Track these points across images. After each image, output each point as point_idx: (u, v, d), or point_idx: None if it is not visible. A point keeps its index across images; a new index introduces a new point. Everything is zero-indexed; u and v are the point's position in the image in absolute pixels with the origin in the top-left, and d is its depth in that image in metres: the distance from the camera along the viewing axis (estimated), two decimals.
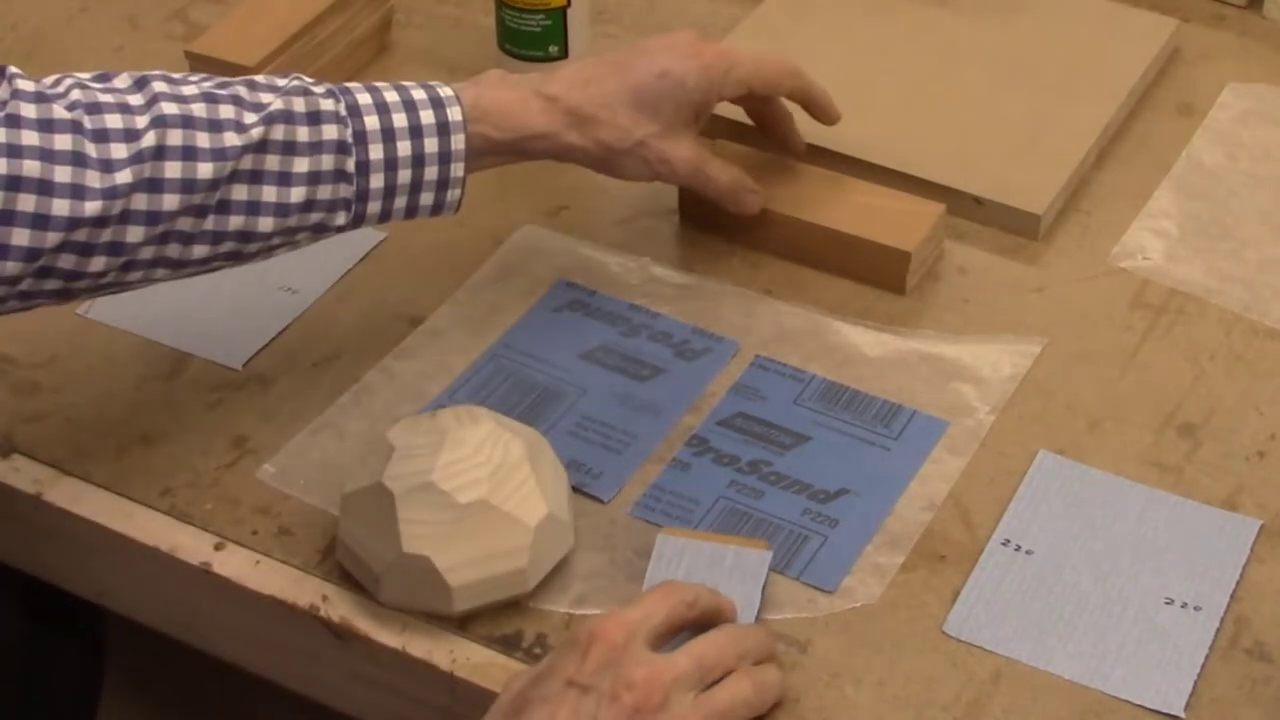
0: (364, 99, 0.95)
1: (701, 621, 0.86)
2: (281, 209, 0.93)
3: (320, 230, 0.96)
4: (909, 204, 1.10)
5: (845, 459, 0.99)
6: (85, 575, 1.01)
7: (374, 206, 0.96)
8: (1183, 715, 0.87)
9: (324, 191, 0.94)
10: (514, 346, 1.05)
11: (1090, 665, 0.89)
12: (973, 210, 1.13)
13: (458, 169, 0.97)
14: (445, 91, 0.97)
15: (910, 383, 1.03)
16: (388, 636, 0.91)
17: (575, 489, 0.96)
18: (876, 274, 1.08)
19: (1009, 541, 0.94)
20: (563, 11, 1.20)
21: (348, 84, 0.97)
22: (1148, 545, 0.94)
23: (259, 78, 0.96)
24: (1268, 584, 0.93)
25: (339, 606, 0.92)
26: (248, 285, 1.09)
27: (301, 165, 0.93)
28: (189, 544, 0.96)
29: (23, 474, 1.00)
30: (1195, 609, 0.91)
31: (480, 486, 0.88)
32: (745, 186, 1.07)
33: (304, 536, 0.96)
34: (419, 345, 1.06)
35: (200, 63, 1.19)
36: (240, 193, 0.92)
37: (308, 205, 0.94)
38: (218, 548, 0.96)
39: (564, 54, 1.21)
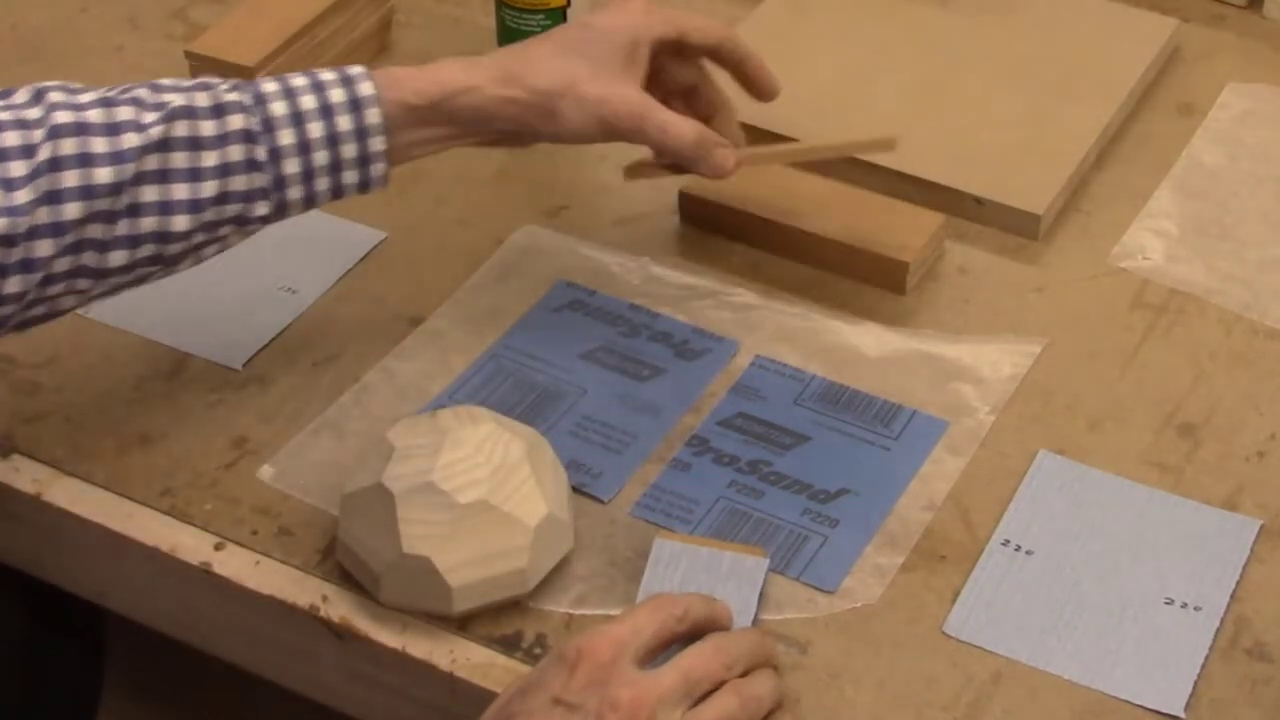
0: (270, 87, 0.94)
1: (693, 633, 0.86)
2: (194, 205, 0.92)
3: (243, 223, 0.95)
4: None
5: (845, 459, 0.99)
6: (85, 575, 1.01)
7: (295, 192, 0.95)
8: (1183, 715, 0.87)
9: (237, 183, 0.93)
10: (514, 346, 1.05)
11: (1090, 665, 0.89)
12: (973, 210, 1.13)
13: (376, 143, 0.95)
14: (354, 69, 0.96)
15: (910, 383, 1.03)
16: (388, 636, 0.91)
17: (575, 489, 0.96)
18: (877, 270, 1.09)
19: (1009, 541, 0.94)
20: (563, 11, 1.20)
21: (258, 78, 0.95)
22: (1148, 545, 0.94)
23: (164, 80, 0.94)
24: (1268, 584, 0.93)
25: (339, 606, 0.92)
26: (248, 285, 1.09)
27: (210, 159, 0.92)
28: (189, 544, 0.96)
29: (23, 474, 1.00)
30: (1195, 609, 0.91)
31: (480, 487, 0.88)
32: (710, 137, 1.02)
33: (304, 536, 0.96)
34: (419, 345, 1.06)
35: (200, 62, 1.19)
36: (150, 194, 0.91)
37: (222, 198, 0.93)
38: (218, 548, 0.96)
39: None
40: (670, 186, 1.13)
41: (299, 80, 0.95)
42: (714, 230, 1.13)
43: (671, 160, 1.03)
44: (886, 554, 0.94)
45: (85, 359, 1.06)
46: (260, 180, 0.93)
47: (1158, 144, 1.20)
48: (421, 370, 1.05)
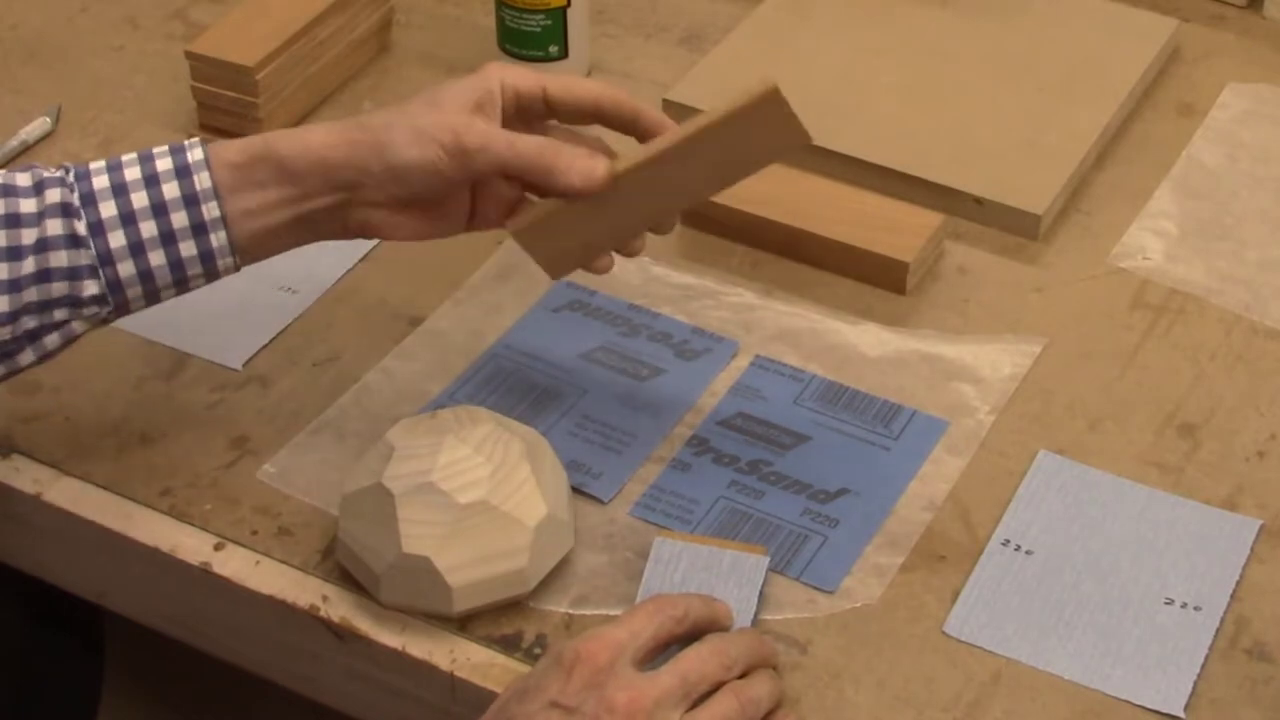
0: (95, 164, 0.90)
1: (693, 634, 0.86)
2: (14, 285, 0.88)
3: (76, 304, 0.90)
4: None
5: (845, 459, 0.99)
6: (85, 575, 1.01)
7: (126, 268, 0.90)
8: (1183, 715, 0.87)
9: (58, 259, 0.89)
10: (514, 346, 1.05)
11: (1090, 665, 0.89)
12: (973, 210, 1.13)
13: (211, 209, 0.89)
14: (188, 140, 0.91)
15: (910, 383, 1.03)
16: (388, 636, 0.91)
17: (575, 489, 0.96)
18: (877, 270, 1.09)
19: (1009, 541, 0.94)
20: (563, 11, 1.20)
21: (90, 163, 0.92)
22: (1148, 545, 0.94)
23: (20, 132, 0.91)
24: (1268, 584, 0.93)
25: (339, 606, 0.93)
26: (248, 285, 1.09)
27: (29, 236, 0.88)
28: (189, 544, 0.96)
29: (23, 474, 1.00)
30: (1195, 609, 0.91)
31: (480, 487, 0.89)
32: (564, 147, 0.91)
33: (304, 536, 0.96)
34: (419, 345, 1.06)
35: (200, 63, 1.19)
36: None
37: (43, 275, 0.89)
38: (218, 548, 0.96)
39: (564, 54, 1.21)
40: None
41: (128, 155, 0.90)
42: (714, 230, 1.13)
43: (531, 181, 0.92)
44: (886, 554, 0.94)
45: (85, 359, 1.06)
46: (84, 256, 0.89)
47: (1158, 144, 1.20)
48: (421, 370, 1.05)
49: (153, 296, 0.92)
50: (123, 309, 0.92)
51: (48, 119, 1.21)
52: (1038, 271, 1.11)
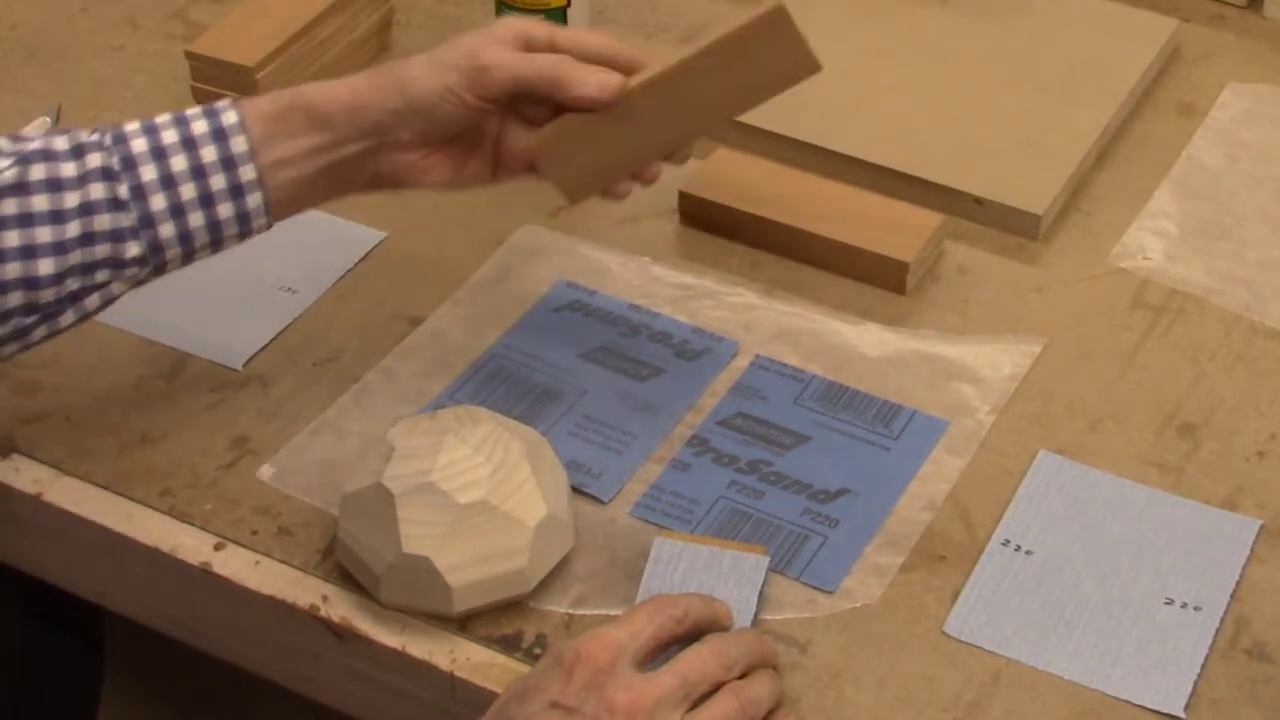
0: (131, 126, 0.92)
1: (693, 634, 0.86)
2: (59, 247, 0.90)
3: (118, 266, 0.92)
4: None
5: (845, 459, 0.99)
6: (85, 575, 1.01)
7: (167, 230, 0.92)
8: (1183, 715, 0.87)
9: (101, 222, 0.91)
10: (514, 346, 1.05)
11: (1090, 665, 0.89)
12: (973, 210, 1.13)
13: (246, 172, 0.92)
14: (220, 103, 0.93)
15: (910, 383, 1.03)
16: (388, 636, 0.91)
17: (575, 489, 0.96)
18: (877, 270, 1.09)
19: (1009, 541, 0.94)
20: (563, 11, 1.20)
21: (124, 124, 0.93)
22: (1148, 545, 0.94)
23: (27, 130, 0.93)
24: (1268, 584, 0.93)
25: (339, 606, 0.93)
26: (248, 285, 1.09)
27: (71, 200, 0.90)
28: (189, 544, 0.96)
29: (23, 474, 1.00)
30: (1195, 609, 0.91)
31: (480, 487, 0.89)
32: (578, 63, 0.94)
33: (304, 536, 0.96)
34: (419, 345, 1.06)
35: (200, 63, 1.19)
36: (11, 239, 0.90)
37: (87, 239, 0.91)
38: (218, 548, 0.96)
39: None
40: (670, 186, 1.13)
41: (163, 118, 0.93)
42: (714, 230, 1.13)
43: (547, 95, 0.94)
44: (886, 554, 0.94)
45: (85, 359, 1.06)
46: (126, 219, 0.91)
47: (1158, 144, 1.20)
48: (421, 370, 1.05)
49: (189, 257, 0.94)
50: (160, 270, 0.94)
51: (48, 119, 1.21)
52: (1038, 271, 1.11)
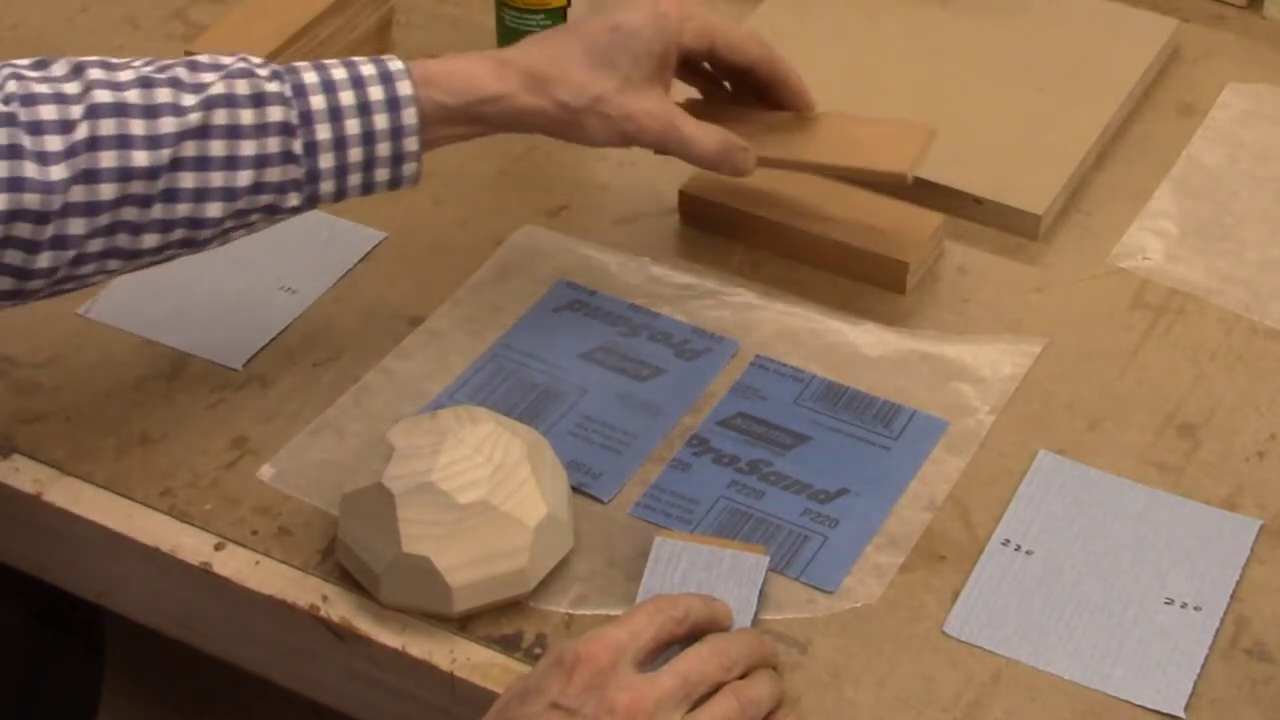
0: (310, 78, 0.94)
1: (693, 635, 0.86)
2: (229, 193, 0.92)
3: (273, 212, 0.95)
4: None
5: (845, 459, 0.99)
6: (85, 575, 1.01)
7: (327, 186, 0.95)
8: (1183, 715, 0.87)
9: (272, 174, 0.93)
10: (514, 346, 1.05)
11: (1090, 665, 0.89)
12: (973, 210, 1.13)
13: (410, 143, 0.95)
14: (395, 65, 0.95)
15: (910, 383, 1.03)
16: (388, 636, 0.91)
17: (575, 489, 0.96)
18: (877, 270, 1.09)
19: (1009, 541, 0.94)
20: (563, 11, 1.20)
21: (296, 63, 0.95)
22: (1148, 545, 0.94)
23: (202, 57, 0.94)
24: (1268, 584, 0.93)
25: (339, 606, 0.92)
26: (248, 285, 1.09)
27: (247, 149, 0.92)
28: (189, 544, 0.96)
29: (23, 474, 1.00)
30: (1195, 609, 0.91)
31: (480, 487, 0.88)
32: (733, 145, 1.02)
33: (304, 536, 0.96)
34: (419, 345, 1.06)
35: None
36: (187, 180, 0.91)
37: (256, 188, 0.93)
38: (218, 548, 0.96)
39: None
40: (670, 186, 1.13)
41: (339, 73, 0.94)
42: (714, 230, 1.13)
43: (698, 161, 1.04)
44: (886, 554, 0.94)
45: (85, 359, 1.06)
46: (295, 173, 0.94)
47: (1158, 144, 1.20)
48: (421, 370, 1.04)
49: (329, 204, 0.97)
50: (302, 211, 0.97)
51: None
52: (1038, 271, 1.11)
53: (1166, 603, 0.91)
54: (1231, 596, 0.92)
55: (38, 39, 1.30)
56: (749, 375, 1.04)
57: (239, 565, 0.95)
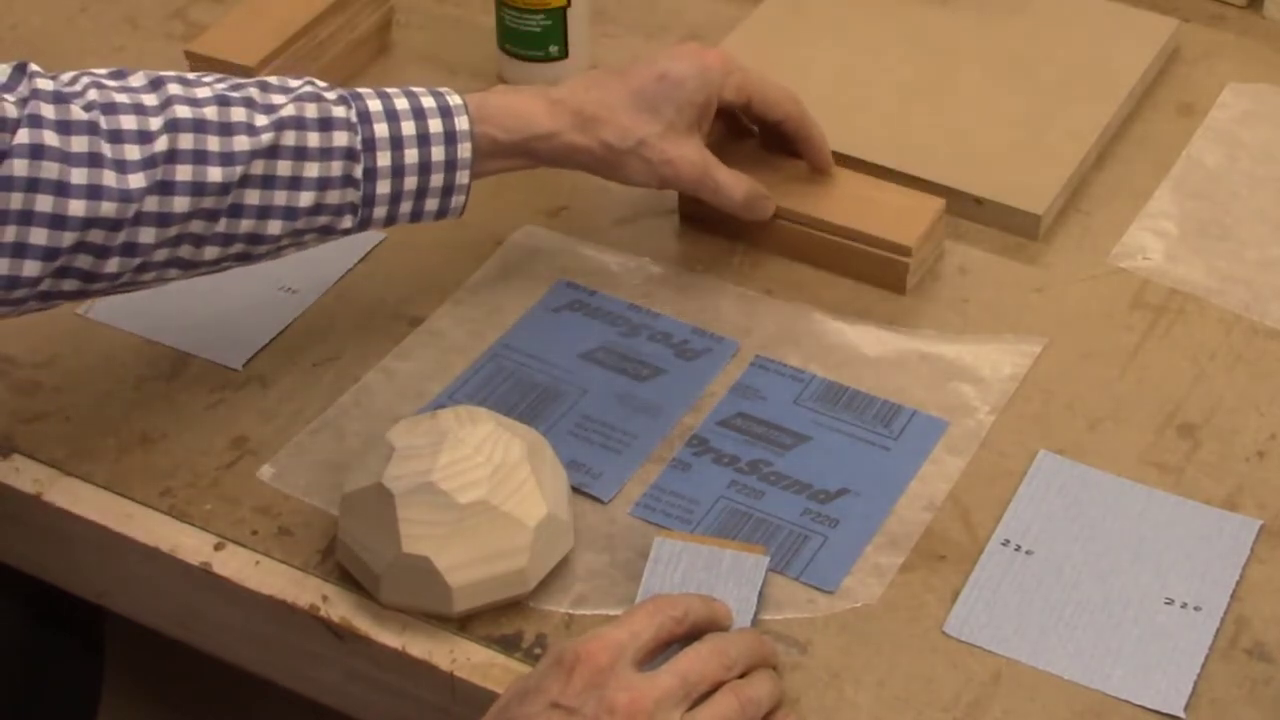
0: (374, 105, 0.97)
1: (692, 634, 0.86)
2: (290, 213, 0.95)
3: (327, 232, 0.98)
4: (909, 199, 1.10)
5: (845, 459, 0.99)
6: (85, 575, 1.01)
7: (380, 211, 0.98)
8: (1183, 715, 0.87)
9: (332, 196, 0.96)
10: (514, 346, 1.05)
11: (1090, 665, 0.89)
12: (973, 210, 1.13)
13: (463, 176, 0.99)
14: (454, 100, 0.99)
15: (910, 383, 1.03)
16: (388, 636, 0.91)
17: (575, 489, 0.96)
18: (877, 270, 1.08)
19: (1009, 541, 0.94)
20: (563, 11, 1.20)
21: (359, 89, 0.98)
22: (1148, 545, 0.94)
23: (271, 79, 0.97)
24: (1268, 584, 0.93)
25: (339, 606, 0.92)
26: (248, 285, 1.09)
27: (312, 170, 0.95)
28: (189, 544, 0.96)
29: (23, 474, 1.00)
30: (1195, 609, 0.91)
31: (480, 487, 0.89)
32: (758, 194, 1.08)
33: (304, 536, 0.96)
34: (419, 345, 1.06)
35: (200, 63, 1.19)
36: (252, 197, 0.94)
37: (316, 209, 0.96)
38: (218, 548, 0.96)
39: (564, 54, 1.21)
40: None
41: (401, 102, 0.98)
42: (714, 230, 1.13)
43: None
44: (886, 554, 0.94)
45: (85, 359, 1.06)
46: (353, 196, 0.97)
47: (1158, 144, 1.20)
48: (421, 370, 1.05)
49: (365, 228, 0.99)
50: (345, 236, 1.00)
51: None
52: (1038, 271, 1.11)
53: (1166, 603, 0.91)
54: (1231, 596, 0.92)
55: (38, 39, 1.30)
56: (749, 375, 1.04)
57: (239, 565, 0.95)
